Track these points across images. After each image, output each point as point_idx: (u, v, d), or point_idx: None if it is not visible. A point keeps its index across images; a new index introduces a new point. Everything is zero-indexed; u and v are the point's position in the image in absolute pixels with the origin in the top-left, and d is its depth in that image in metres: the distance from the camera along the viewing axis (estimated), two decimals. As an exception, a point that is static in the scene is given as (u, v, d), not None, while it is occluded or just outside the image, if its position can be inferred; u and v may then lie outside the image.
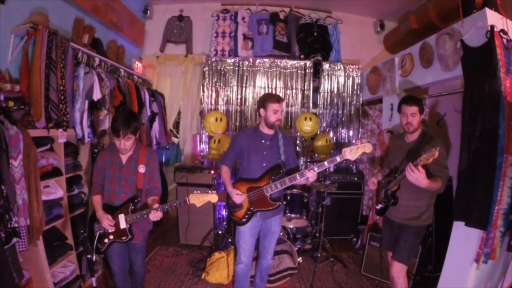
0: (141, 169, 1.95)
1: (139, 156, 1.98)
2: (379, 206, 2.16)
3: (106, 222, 1.86)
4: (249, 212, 2.11)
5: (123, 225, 1.89)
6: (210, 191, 1.90)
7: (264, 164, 2.11)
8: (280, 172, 2.07)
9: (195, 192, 1.90)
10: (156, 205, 1.84)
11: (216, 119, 3.70)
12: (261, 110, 2.14)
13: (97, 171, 1.99)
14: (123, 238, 1.92)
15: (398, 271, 2.06)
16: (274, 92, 4.01)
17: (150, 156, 2.02)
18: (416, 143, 2.04)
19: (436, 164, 1.86)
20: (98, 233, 1.92)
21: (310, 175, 1.93)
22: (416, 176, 1.72)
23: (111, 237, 1.92)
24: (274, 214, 2.18)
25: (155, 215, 1.82)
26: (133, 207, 1.90)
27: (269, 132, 2.17)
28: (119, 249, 1.99)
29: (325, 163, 1.94)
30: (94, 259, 1.85)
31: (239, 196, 2.06)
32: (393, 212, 2.11)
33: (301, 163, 4.04)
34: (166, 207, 1.87)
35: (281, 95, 4.03)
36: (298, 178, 1.98)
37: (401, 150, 2.10)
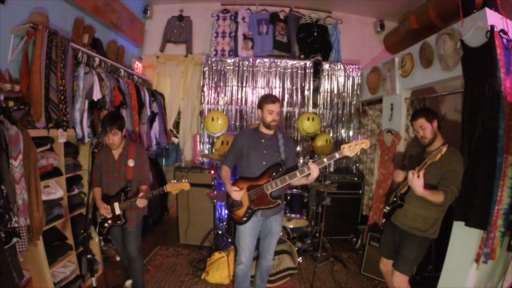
0: (131, 163, 2.25)
1: (128, 152, 2.27)
2: (386, 209, 2.13)
3: (103, 210, 2.17)
4: (249, 211, 2.11)
5: (117, 211, 2.19)
6: (184, 180, 2.21)
7: (264, 163, 2.13)
8: (280, 170, 2.09)
9: (172, 181, 2.21)
10: (141, 194, 2.15)
11: (212, 119, 3.69)
12: (259, 111, 2.20)
13: (96, 167, 2.26)
14: (118, 222, 2.22)
15: (400, 281, 2.02)
16: (274, 92, 4.02)
17: (139, 152, 2.31)
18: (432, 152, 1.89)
19: (445, 179, 1.85)
20: (100, 219, 2.24)
21: (312, 170, 1.93)
22: (415, 183, 1.73)
23: (109, 221, 2.23)
24: (274, 213, 2.18)
25: (141, 202, 2.13)
26: (124, 197, 2.19)
27: (269, 132, 2.19)
28: (115, 232, 2.32)
29: (324, 159, 1.97)
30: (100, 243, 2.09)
31: (237, 192, 2.06)
32: (399, 217, 2.08)
33: (301, 163, 4.03)
34: (149, 195, 2.16)
35: (281, 95, 4.04)
36: (298, 176, 1.99)
37: (420, 159, 2.00)
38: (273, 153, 2.15)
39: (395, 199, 2.06)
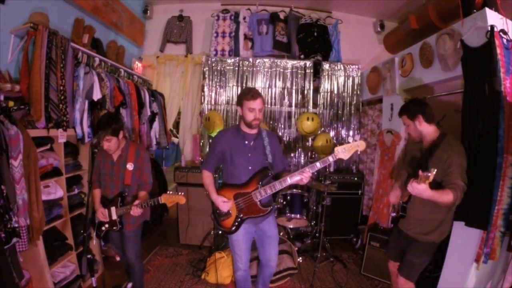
0: (129, 166, 2.16)
1: (128, 154, 2.18)
2: (393, 215, 2.10)
3: (100, 214, 2.14)
4: (238, 220, 1.98)
5: (114, 216, 2.14)
6: (180, 193, 2.11)
7: (250, 168, 1.96)
8: (269, 175, 1.95)
9: (169, 192, 2.12)
10: (136, 202, 2.08)
11: (206, 119, 3.69)
12: (238, 108, 1.98)
13: (95, 169, 2.21)
14: (114, 228, 2.17)
15: (403, 283, 2.00)
16: (273, 92, 4.02)
17: (139, 153, 2.20)
18: (429, 148, 1.89)
19: (448, 175, 1.73)
20: (97, 221, 2.19)
21: (304, 176, 1.81)
22: (419, 190, 1.54)
23: (106, 225, 2.19)
24: (265, 218, 2.04)
25: (136, 211, 2.05)
26: (121, 202, 2.13)
27: (251, 131, 2.00)
28: (114, 237, 2.31)
29: (317, 163, 1.82)
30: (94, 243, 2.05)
31: (225, 204, 1.93)
32: (404, 223, 2.03)
33: (302, 163, 4.04)
34: (144, 204, 2.08)
35: (281, 95, 4.04)
36: (289, 181, 1.85)
37: (417, 155, 2.01)
38: (259, 156, 1.98)
39: (398, 208, 2.02)
